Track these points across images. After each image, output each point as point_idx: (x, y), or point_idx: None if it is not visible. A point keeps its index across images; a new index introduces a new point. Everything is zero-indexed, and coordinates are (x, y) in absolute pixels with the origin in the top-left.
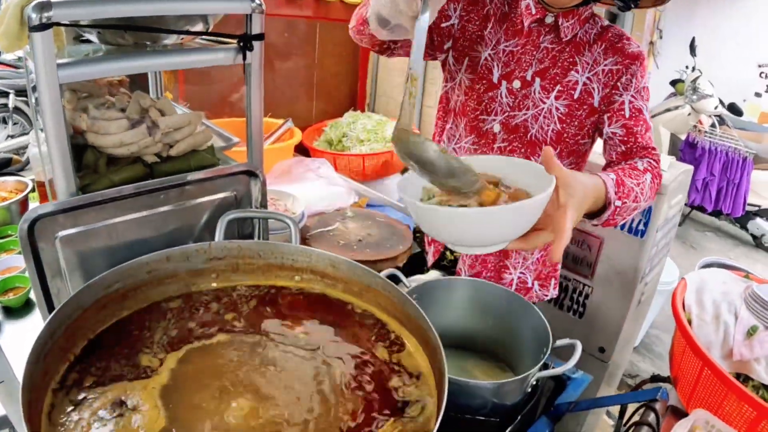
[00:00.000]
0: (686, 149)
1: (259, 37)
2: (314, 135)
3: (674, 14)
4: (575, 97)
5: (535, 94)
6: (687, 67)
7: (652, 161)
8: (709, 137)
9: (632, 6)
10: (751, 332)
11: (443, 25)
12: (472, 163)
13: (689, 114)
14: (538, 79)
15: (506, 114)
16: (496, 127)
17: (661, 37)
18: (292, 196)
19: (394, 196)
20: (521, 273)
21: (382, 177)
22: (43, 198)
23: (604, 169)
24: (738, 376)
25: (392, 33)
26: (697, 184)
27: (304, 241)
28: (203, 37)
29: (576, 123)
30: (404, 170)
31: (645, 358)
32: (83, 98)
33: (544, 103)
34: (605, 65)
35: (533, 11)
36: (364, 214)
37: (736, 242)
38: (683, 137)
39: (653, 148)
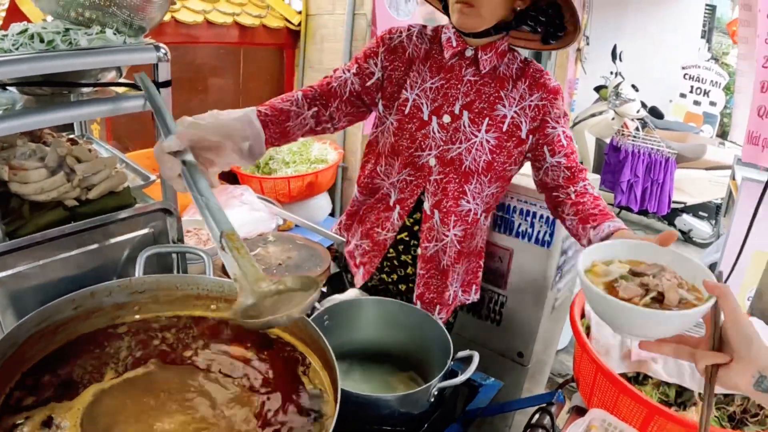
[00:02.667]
0: (611, 153)
1: (166, 84)
2: None
3: (602, 21)
4: (504, 129)
5: (465, 127)
6: (612, 72)
7: (588, 183)
8: (632, 140)
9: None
10: None
11: (368, 84)
12: (631, 248)
13: (613, 118)
14: (466, 112)
15: (440, 148)
16: (432, 161)
17: (588, 44)
18: None
19: (319, 216)
20: (455, 288)
21: (308, 198)
22: None
23: (550, 193)
24: (638, 374)
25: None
26: (622, 186)
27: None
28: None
29: (505, 153)
30: (331, 189)
31: None
32: (4, 149)
33: (476, 136)
34: (531, 100)
35: (454, 43)
36: (285, 237)
37: None
38: (608, 141)
39: (584, 168)
